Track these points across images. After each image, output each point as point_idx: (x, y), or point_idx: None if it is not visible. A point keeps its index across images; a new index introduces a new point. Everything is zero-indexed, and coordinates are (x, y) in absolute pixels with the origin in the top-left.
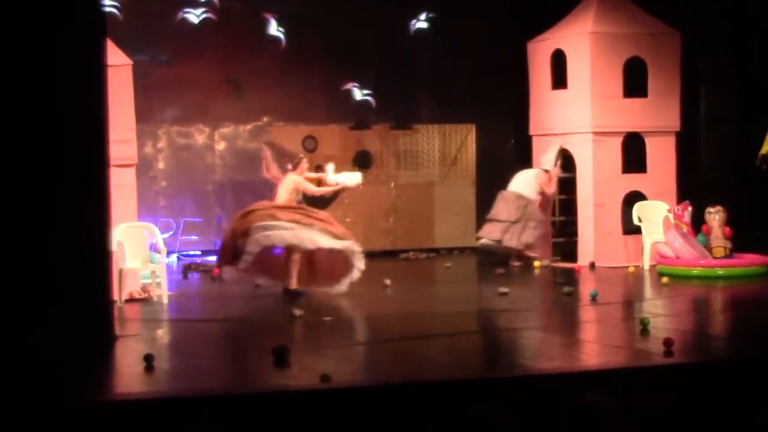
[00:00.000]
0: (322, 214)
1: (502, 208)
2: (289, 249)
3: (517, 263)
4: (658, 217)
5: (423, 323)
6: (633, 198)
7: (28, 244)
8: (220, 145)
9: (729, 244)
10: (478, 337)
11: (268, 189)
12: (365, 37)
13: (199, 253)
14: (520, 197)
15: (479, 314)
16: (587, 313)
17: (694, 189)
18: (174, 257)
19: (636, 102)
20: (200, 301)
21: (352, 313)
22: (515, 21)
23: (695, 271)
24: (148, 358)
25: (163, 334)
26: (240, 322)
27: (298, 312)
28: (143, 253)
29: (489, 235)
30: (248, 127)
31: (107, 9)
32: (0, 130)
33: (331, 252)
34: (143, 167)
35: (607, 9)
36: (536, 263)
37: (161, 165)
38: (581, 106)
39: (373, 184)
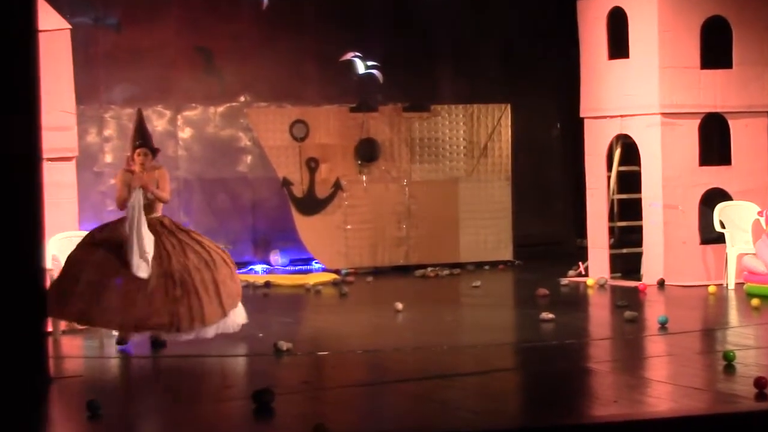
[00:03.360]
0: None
1: None
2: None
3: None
4: (746, 221)
5: (445, 358)
6: (714, 198)
7: None
8: (185, 133)
9: None
10: (515, 376)
11: (246, 187)
12: None
13: None
14: None
15: (517, 347)
16: (655, 345)
17: None
18: None
19: (717, 74)
20: None
21: (353, 344)
22: None
23: None
24: (93, 406)
25: (111, 374)
26: (211, 358)
27: (285, 345)
28: None
29: None
30: (221, 108)
31: None
32: None
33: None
34: (86, 161)
35: None
36: (589, 281)
37: (109, 158)
38: (647, 80)
39: (381, 181)
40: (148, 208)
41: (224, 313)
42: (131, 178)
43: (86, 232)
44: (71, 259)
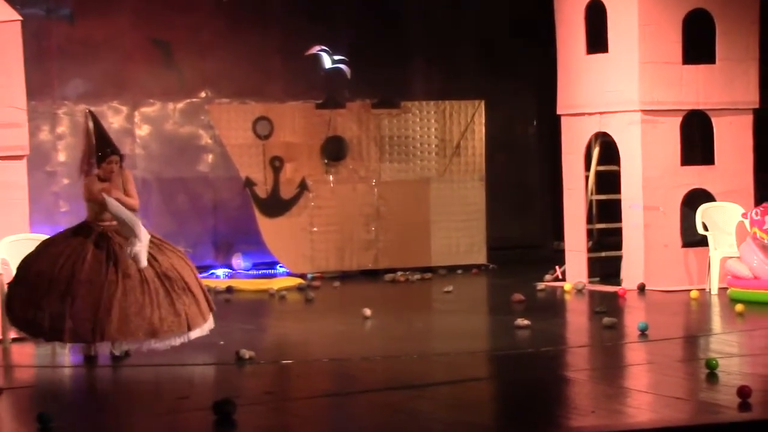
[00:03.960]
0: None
1: None
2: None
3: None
4: (730, 224)
5: (415, 367)
6: (696, 199)
7: None
8: (143, 130)
9: None
10: (488, 386)
11: (206, 187)
12: None
13: None
14: None
15: (491, 355)
16: (635, 353)
17: None
18: None
19: (700, 70)
20: None
21: (319, 353)
22: None
23: None
24: (44, 419)
25: (64, 384)
26: (170, 367)
27: (247, 353)
28: None
29: None
30: (180, 105)
31: None
32: None
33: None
34: (37, 160)
35: None
36: (566, 286)
37: (62, 157)
38: (626, 75)
39: (348, 181)
40: (105, 212)
41: (211, 308)
42: (102, 188)
43: (38, 235)
44: (38, 272)
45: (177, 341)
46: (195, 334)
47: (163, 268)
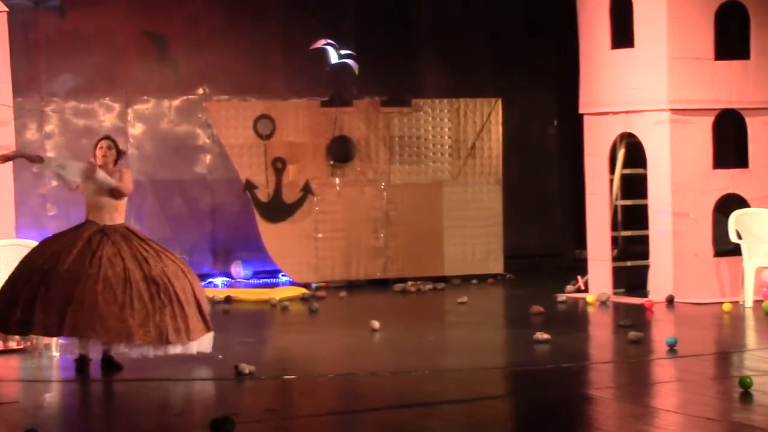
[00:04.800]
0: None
1: None
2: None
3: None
4: (766, 231)
5: (426, 384)
6: (729, 205)
7: None
8: (136, 129)
9: None
10: (505, 405)
11: (204, 190)
12: None
13: None
14: None
15: (508, 371)
16: (663, 370)
17: None
18: None
19: (733, 66)
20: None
21: (324, 368)
22: None
23: None
24: None
25: (52, 400)
26: (166, 383)
27: (247, 368)
28: None
29: None
30: (176, 102)
31: None
32: None
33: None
34: (24, 160)
35: None
36: (589, 297)
37: (51, 156)
38: (654, 72)
39: (356, 184)
40: (104, 210)
41: (207, 328)
42: (91, 170)
43: (25, 240)
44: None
45: (151, 352)
46: (174, 349)
47: (153, 273)
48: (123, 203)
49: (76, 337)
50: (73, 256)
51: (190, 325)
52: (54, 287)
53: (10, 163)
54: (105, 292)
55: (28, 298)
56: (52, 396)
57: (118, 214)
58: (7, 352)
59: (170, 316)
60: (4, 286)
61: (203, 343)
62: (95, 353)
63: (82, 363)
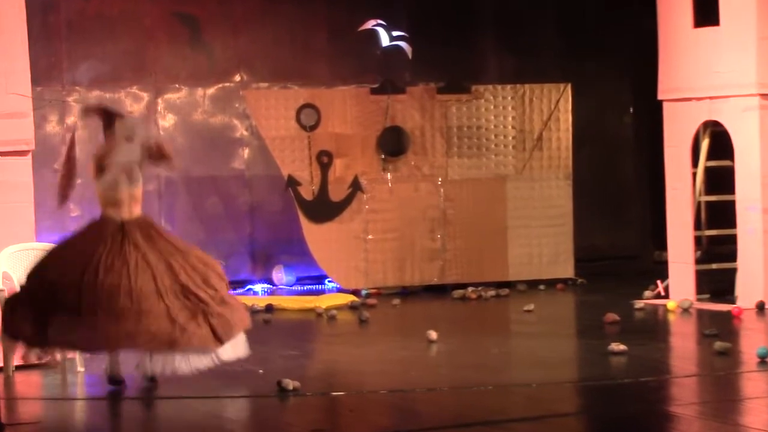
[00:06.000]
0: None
1: None
2: None
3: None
4: None
5: (489, 400)
6: None
7: None
8: (167, 120)
9: None
10: (576, 423)
11: (242, 188)
12: None
13: None
14: None
15: (580, 386)
16: (753, 384)
17: None
18: None
19: None
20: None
21: (376, 383)
22: None
23: None
24: None
25: (76, 419)
26: (199, 400)
27: (291, 384)
28: None
29: None
30: (211, 90)
31: None
32: None
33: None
34: (44, 156)
35: None
36: (670, 304)
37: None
38: (742, 53)
39: (409, 180)
40: (122, 203)
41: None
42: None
43: (45, 244)
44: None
45: (197, 362)
46: (221, 354)
47: (181, 278)
48: (140, 191)
49: (118, 351)
50: (94, 265)
51: (225, 326)
52: (84, 300)
53: (29, 158)
54: (139, 301)
55: (53, 311)
56: (74, 416)
57: (135, 204)
58: (27, 367)
59: (203, 320)
60: (20, 297)
61: (238, 346)
62: (128, 369)
63: (114, 379)
